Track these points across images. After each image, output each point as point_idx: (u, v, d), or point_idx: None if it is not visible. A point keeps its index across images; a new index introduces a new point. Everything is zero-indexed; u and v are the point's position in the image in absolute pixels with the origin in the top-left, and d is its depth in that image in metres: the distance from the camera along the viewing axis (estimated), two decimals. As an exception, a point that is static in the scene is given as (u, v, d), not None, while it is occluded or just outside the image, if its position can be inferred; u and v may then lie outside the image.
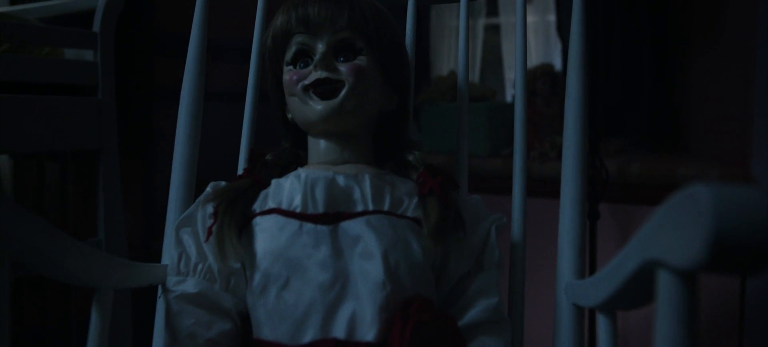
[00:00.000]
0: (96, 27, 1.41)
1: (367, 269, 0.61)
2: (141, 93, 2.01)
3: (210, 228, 0.66)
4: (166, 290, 0.68)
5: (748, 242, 0.33)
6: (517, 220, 0.78)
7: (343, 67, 0.69)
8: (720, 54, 2.03)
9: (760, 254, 0.33)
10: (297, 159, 0.77)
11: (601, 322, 0.61)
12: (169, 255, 0.70)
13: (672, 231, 0.37)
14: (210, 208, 0.68)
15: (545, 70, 2.14)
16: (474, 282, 0.68)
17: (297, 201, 0.65)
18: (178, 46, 2.19)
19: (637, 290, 0.47)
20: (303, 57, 0.71)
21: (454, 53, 2.99)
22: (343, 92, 0.68)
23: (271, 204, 0.66)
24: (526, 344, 0.76)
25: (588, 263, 1.70)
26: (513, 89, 2.60)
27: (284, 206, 0.65)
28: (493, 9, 3.05)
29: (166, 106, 2.16)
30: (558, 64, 2.43)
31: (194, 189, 0.79)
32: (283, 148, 0.77)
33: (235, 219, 0.65)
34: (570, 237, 0.74)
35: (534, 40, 2.95)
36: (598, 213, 1.72)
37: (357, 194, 0.66)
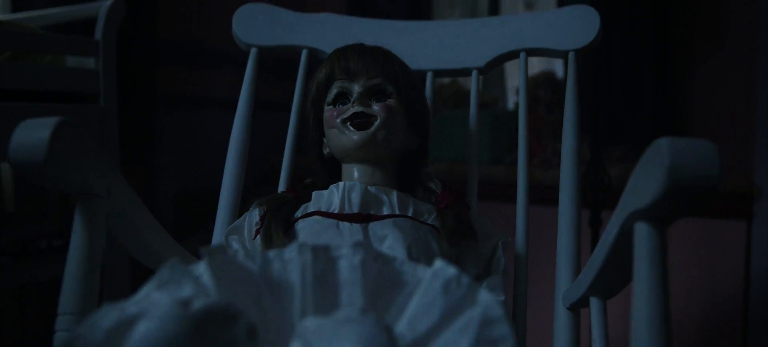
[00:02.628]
0: (98, 35, 1.41)
1: None
2: (142, 100, 2.01)
3: (257, 230, 0.77)
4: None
5: (698, 178, 0.42)
6: (520, 231, 0.85)
7: (375, 106, 0.81)
8: (722, 61, 2.03)
9: (706, 188, 0.42)
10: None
11: (593, 306, 0.66)
12: None
13: (641, 180, 0.46)
14: (256, 216, 0.79)
15: (547, 77, 2.14)
16: (482, 283, 0.75)
17: (335, 203, 0.76)
18: (180, 54, 2.20)
19: (621, 261, 0.54)
20: (342, 98, 0.83)
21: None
22: (375, 124, 0.80)
23: (312, 209, 0.77)
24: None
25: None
26: (515, 96, 2.60)
27: (324, 209, 0.76)
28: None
29: (167, 114, 2.16)
30: (560, 72, 2.43)
31: (238, 208, 0.92)
32: (320, 176, 0.89)
33: (281, 220, 0.75)
34: (568, 252, 0.81)
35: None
36: (601, 221, 1.71)
37: (385, 200, 0.77)
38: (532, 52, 0.96)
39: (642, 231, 0.47)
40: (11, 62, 1.30)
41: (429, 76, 1.00)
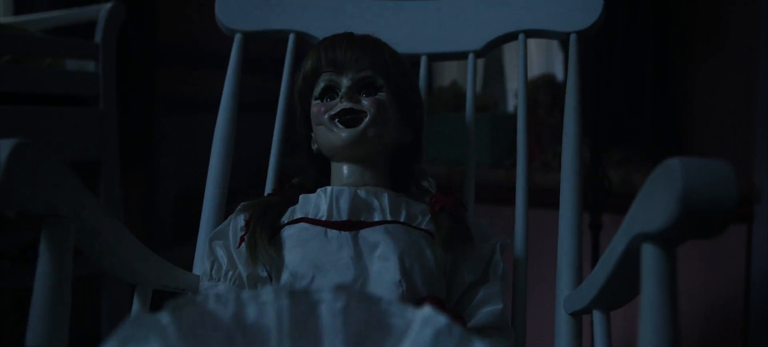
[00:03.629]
0: (97, 38, 1.41)
1: (385, 270, 0.67)
2: (142, 102, 2.00)
3: (242, 237, 0.73)
4: (198, 294, 0.73)
5: (713, 203, 0.39)
6: (519, 234, 0.82)
7: (365, 101, 0.77)
8: (723, 63, 2.03)
9: (722, 214, 0.39)
10: (321, 185, 0.82)
11: (596, 318, 0.64)
12: (201, 264, 0.77)
13: (651, 202, 0.43)
14: (241, 221, 0.75)
15: (547, 80, 2.14)
16: (480, 291, 0.73)
17: (323, 209, 0.72)
18: (180, 56, 2.20)
19: (627, 277, 0.51)
20: (330, 92, 0.78)
21: (456, 63, 2.98)
22: (365, 121, 0.75)
23: (299, 215, 0.74)
24: (529, 355, 0.77)
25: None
26: (515, 99, 2.60)
27: (311, 215, 0.72)
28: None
29: (167, 116, 2.16)
30: (560, 74, 2.43)
31: (225, 208, 0.88)
32: (309, 174, 0.85)
33: (266, 227, 0.72)
34: (569, 256, 0.78)
35: (536, 50, 2.95)
36: (601, 224, 1.71)
37: (376, 205, 0.73)
38: (531, 33, 0.91)
39: (650, 254, 0.44)
40: (11, 65, 1.30)
41: (423, 60, 0.95)
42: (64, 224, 0.53)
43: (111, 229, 0.60)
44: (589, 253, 1.69)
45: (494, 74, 3.11)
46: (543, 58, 2.94)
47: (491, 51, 0.95)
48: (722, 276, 1.81)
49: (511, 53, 3.05)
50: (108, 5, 1.43)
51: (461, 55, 0.95)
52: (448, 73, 3.02)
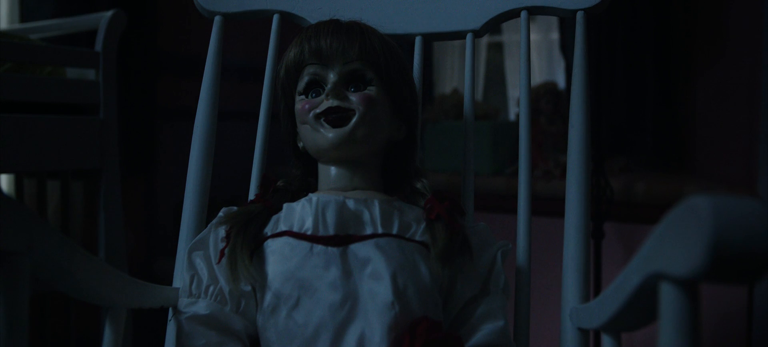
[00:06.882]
0: (98, 46, 1.41)
1: (376, 290, 0.62)
2: (143, 111, 2.01)
3: (222, 250, 0.68)
4: (177, 311, 0.69)
5: (747, 250, 0.34)
6: (522, 243, 0.78)
7: (353, 97, 0.71)
8: (724, 72, 2.03)
9: (758, 262, 0.34)
10: (307, 186, 0.78)
11: (606, 343, 0.61)
12: (180, 277, 0.71)
13: (673, 243, 0.38)
14: (222, 232, 0.69)
15: (548, 88, 2.14)
16: (480, 306, 0.68)
17: (308, 223, 0.66)
18: (180, 65, 2.21)
19: (642, 307, 0.48)
20: (315, 87, 0.73)
21: (457, 71, 2.99)
22: (353, 120, 0.70)
23: (282, 227, 0.68)
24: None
25: (593, 282, 1.68)
26: (516, 107, 2.60)
27: (295, 228, 0.67)
28: (495, 27, 3.06)
29: (168, 124, 2.16)
30: (561, 82, 2.43)
31: (206, 213, 0.82)
32: (294, 175, 0.79)
33: (248, 241, 0.66)
34: (575, 263, 0.75)
35: (537, 58, 2.95)
36: (603, 233, 1.71)
37: (366, 217, 0.67)
38: (534, 10, 0.85)
39: (670, 295, 0.39)
40: (12, 73, 1.30)
41: (418, 41, 0.88)
42: (15, 260, 0.48)
43: (71, 258, 0.56)
44: (591, 262, 1.68)
45: (495, 83, 3.11)
46: (545, 67, 2.95)
47: (491, 29, 0.89)
48: (725, 286, 1.80)
49: (512, 60, 3.05)
50: (109, 13, 1.44)
51: (459, 35, 0.88)
52: (449, 82, 3.02)
